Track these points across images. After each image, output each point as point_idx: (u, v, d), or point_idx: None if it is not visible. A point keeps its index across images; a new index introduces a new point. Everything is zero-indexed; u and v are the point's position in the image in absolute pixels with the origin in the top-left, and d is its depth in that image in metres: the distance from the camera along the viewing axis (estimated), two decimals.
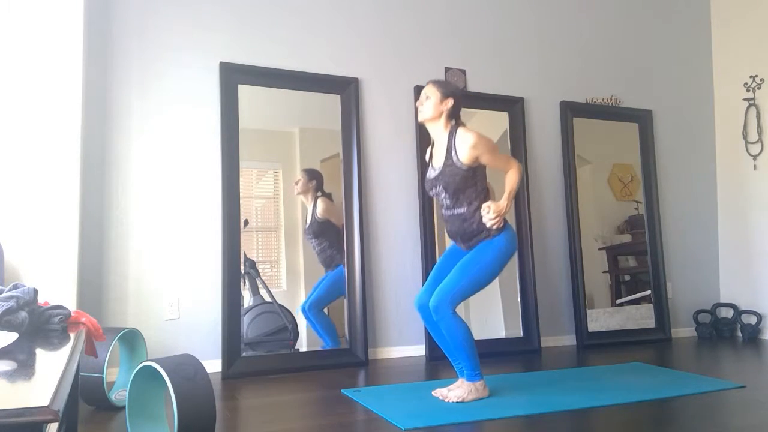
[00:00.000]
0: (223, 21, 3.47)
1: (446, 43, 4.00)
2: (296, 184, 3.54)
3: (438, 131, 2.73)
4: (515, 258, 3.95)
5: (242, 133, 3.40)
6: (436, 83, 2.75)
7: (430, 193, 2.80)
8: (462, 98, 2.77)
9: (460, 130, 2.67)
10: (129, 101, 3.26)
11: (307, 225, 3.54)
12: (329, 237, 3.57)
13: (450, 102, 2.69)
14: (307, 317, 3.47)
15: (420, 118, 2.78)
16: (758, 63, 4.48)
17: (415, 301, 2.78)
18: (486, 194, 2.70)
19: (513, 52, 4.18)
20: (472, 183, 2.64)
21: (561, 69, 4.31)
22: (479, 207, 2.63)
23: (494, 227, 2.62)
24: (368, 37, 3.82)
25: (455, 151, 2.63)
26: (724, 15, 4.76)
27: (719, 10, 4.81)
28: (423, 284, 3.65)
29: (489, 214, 2.60)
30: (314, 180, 3.56)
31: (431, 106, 2.69)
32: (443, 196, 2.70)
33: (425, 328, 3.64)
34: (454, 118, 2.73)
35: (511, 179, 2.69)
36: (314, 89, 3.62)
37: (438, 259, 2.84)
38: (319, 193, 3.57)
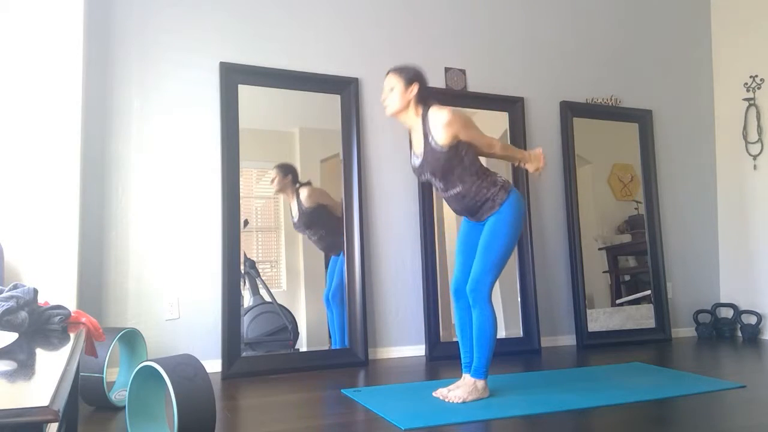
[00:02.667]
0: (223, 21, 3.47)
1: (446, 43, 4.00)
2: (272, 182, 3.45)
3: (410, 119, 2.63)
4: (515, 258, 3.95)
5: (242, 133, 3.40)
6: (397, 71, 2.62)
7: (421, 180, 2.77)
8: (426, 78, 2.64)
9: (432, 111, 2.56)
10: (129, 101, 3.26)
11: (296, 219, 3.49)
12: (324, 224, 3.54)
13: (415, 87, 2.58)
14: (328, 307, 3.48)
15: (387, 113, 2.65)
16: (758, 63, 4.48)
17: (451, 286, 2.79)
18: (479, 167, 2.64)
19: (513, 52, 4.18)
20: (458, 162, 2.58)
21: (561, 69, 4.31)
22: (474, 182, 2.60)
23: (540, 171, 2.82)
24: (368, 37, 3.82)
25: (431, 135, 2.55)
26: (724, 15, 4.76)
27: (719, 10, 4.81)
28: (422, 282, 3.69)
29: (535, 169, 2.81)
30: (289, 174, 3.48)
31: (397, 97, 2.59)
32: (434, 180, 2.68)
33: (425, 327, 3.65)
34: (423, 101, 2.61)
35: (506, 148, 2.78)
36: (314, 89, 3.62)
37: (457, 240, 2.82)
38: (298, 185, 3.50)
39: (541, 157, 2.81)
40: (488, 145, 2.69)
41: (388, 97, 2.62)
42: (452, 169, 2.59)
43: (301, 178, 3.54)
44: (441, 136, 2.53)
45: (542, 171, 2.82)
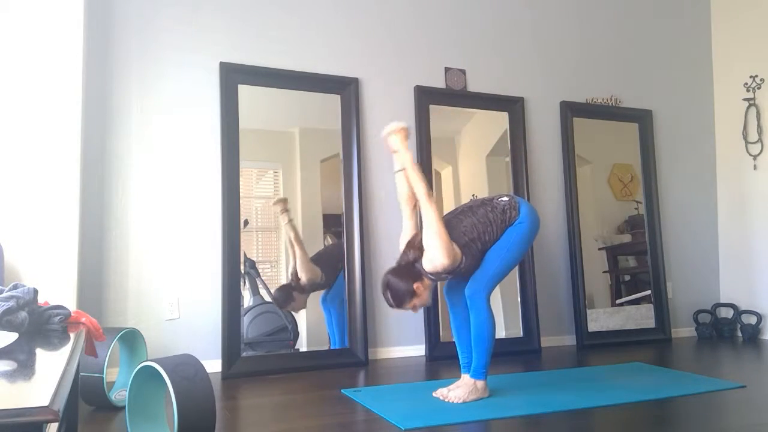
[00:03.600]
0: (223, 21, 3.47)
1: (446, 43, 4.00)
2: (296, 311, 3.44)
3: (430, 287, 2.65)
4: None
5: (242, 133, 3.40)
6: (398, 303, 2.56)
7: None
8: (398, 278, 2.57)
9: (427, 265, 2.53)
10: (129, 101, 3.26)
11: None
12: (333, 261, 3.55)
13: (418, 286, 2.55)
14: (325, 309, 3.49)
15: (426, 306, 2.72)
16: (758, 63, 4.48)
17: (444, 288, 2.81)
18: (479, 218, 2.64)
19: (513, 52, 4.18)
20: (472, 244, 2.58)
21: (561, 69, 4.31)
22: (493, 229, 2.62)
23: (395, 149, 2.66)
24: (368, 36, 3.82)
25: (454, 271, 2.57)
26: (724, 15, 4.76)
27: (719, 10, 4.81)
28: None
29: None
30: (292, 292, 3.43)
31: (420, 299, 2.58)
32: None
33: (425, 327, 3.65)
34: (416, 275, 2.56)
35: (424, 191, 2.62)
36: (314, 89, 3.62)
37: None
38: (292, 284, 3.44)
39: (391, 132, 2.67)
40: (438, 212, 2.61)
41: (417, 306, 2.60)
42: (476, 251, 2.61)
43: (301, 177, 3.54)
44: (454, 269, 2.55)
45: (396, 129, 2.66)
